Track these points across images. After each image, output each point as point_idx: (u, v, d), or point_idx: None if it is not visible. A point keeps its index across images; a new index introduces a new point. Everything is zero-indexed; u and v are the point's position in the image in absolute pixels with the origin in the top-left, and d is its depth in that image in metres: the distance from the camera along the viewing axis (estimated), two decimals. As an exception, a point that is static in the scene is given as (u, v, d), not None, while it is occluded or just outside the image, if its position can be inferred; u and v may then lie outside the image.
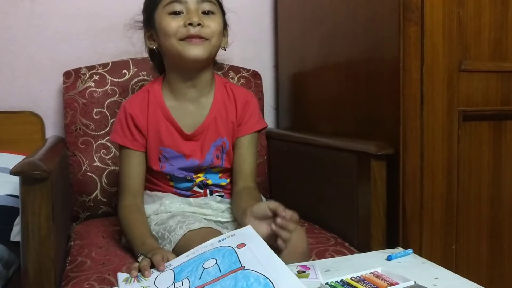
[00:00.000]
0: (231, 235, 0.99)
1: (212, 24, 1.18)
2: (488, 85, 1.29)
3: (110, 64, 1.60)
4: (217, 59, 1.32)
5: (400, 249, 1.09)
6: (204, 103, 1.27)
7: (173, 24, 1.17)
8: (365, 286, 0.91)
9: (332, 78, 1.53)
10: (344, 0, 1.45)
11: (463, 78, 1.26)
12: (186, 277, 0.91)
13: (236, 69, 1.74)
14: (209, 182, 1.28)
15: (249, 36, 1.88)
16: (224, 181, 1.30)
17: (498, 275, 1.35)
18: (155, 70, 1.36)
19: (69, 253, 1.24)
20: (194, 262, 0.94)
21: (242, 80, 1.71)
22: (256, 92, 1.72)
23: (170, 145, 1.24)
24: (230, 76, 1.71)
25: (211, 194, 1.29)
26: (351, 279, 0.94)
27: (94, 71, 1.58)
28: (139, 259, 1.03)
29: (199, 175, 1.28)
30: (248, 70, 1.75)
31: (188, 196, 1.27)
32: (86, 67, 1.58)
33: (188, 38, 1.16)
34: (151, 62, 1.36)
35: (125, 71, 1.60)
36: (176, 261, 0.98)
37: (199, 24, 1.16)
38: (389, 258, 1.04)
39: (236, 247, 0.94)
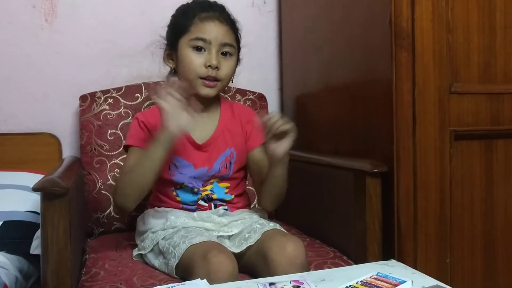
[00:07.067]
0: (181, 284, 1.03)
1: (226, 68, 1.33)
2: (478, 106, 1.35)
3: (123, 88, 1.70)
4: None
5: (393, 261, 1.16)
6: (212, 118, 1.40)
7: (195, 62, 1.31)
8: None
9: (331, 100, 1.62)
10: (341, 29, 1.54)
11: (454, 100, 1.33)
12: None
13: (243, 92, 1.83)
14: (214, 196, 1.36)
15: (255, 61, 1.97)
16: (229, 197, 1.38)
17: (492, 288, 1.40)
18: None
19: (84, 265, 1.32)
20: None
21: (248, 102, 1.80)
22: (262, 114, 1.81)
23: (182, 154, 1.33)
24: (237, 98, 1.79)
25: (215, 207, 1.36)
26: (356, 283, 1.00)
27: (108, 94, 1.68)
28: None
29: (206, 187, 1.36)
30: (254, 93, 1.84)
31: (193, 211, 1.34)
32: (101, 91, 1.68)
33: (205, 78, 1.31)
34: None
35: (138, 94, 1.69)
36: None
37: (216, 67, 1.30)
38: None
39: None
